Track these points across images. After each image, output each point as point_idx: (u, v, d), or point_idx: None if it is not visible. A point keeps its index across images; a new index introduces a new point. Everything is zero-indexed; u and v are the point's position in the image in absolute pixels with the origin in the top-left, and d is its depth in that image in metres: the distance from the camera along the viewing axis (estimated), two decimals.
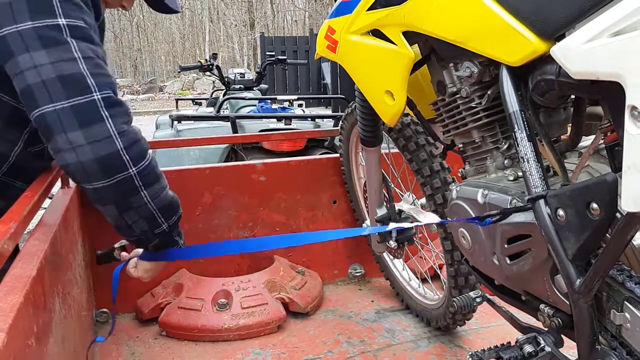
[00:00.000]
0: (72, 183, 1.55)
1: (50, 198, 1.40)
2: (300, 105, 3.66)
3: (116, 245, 1.47)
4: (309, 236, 1.32)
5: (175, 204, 1.27)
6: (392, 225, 1.13)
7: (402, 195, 1.73)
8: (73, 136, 1.05)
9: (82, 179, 1.11)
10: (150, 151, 1.20)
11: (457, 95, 1.10)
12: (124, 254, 1.46)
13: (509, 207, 0.94)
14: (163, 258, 1.36)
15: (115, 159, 1.09)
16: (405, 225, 1.12)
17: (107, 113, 1.08)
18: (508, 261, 0.97)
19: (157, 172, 1.20)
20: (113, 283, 1.40)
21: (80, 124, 1.05)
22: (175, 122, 3.16)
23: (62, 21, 1.06)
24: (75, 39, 1.07)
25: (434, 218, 1.09)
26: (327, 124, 3.34)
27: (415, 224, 1.14)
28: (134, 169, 1.12)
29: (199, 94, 14.36)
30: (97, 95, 1.07)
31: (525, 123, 0.88)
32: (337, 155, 2.01)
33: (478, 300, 1.21)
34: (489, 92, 1.03)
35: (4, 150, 1.19)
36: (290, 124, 3.08)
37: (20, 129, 1.20)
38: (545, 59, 0.83)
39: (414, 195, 1.66)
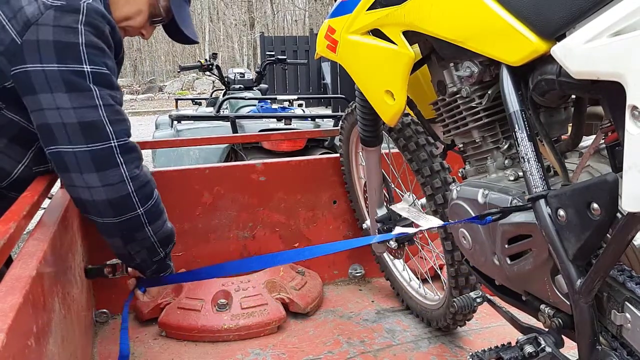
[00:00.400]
0: None
1: (50, 198, 1.40)
2: (300, 105, 3.65)
3: (107, 263, 1.51)
4: (314, 250, 1.39)
5: (172, 234, 1.38)
6: (397, 231, 1.13)
7: (402, 195, 1.73)
8: (88, 177, 1.13)
9: (93, 214, 1.20)
10: (156, 190, 1.29)
11: (458, 95, 1.10)
12: (130, 281, 1.51)
13: (509, 206, 0.94)
14: (162, 283, 1.47)
15: (126, 201, 1.18)
16: (410, 230, 1.12)
17: (122, 159, 1.16)
18: (508, 261, 0.96)
19: (160, 209, 1.30)
20: (123, 320, 1.50)
21: (97, 168, 1.13)
22: (175, 122, 3.16)
23: (86, 68, 1.11)
24: (97, 86, 1.12)
25: (435, 221, 1.09)
26: (327, 124, 3.34)
27: (419, 229, 1.13)
28: (141, 209, 1.21)
29: (198, 93, 14.36)
30: (114, 143, 1.15)
31: (526, 123, 0.88)
32: (337, 155, 2.01)
33: (478, 300, 1.21)
34: (489, 92, 1.03)
35: (6, 167, 1.21)
36: (290, 124, 3.07)
37: (26, 148, 1.23)
38: (546, 58, 0.83)
39: (414, 196, 1.66)
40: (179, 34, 1.45)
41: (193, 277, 1.52)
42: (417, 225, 1.14)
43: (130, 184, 1.18)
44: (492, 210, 0.92)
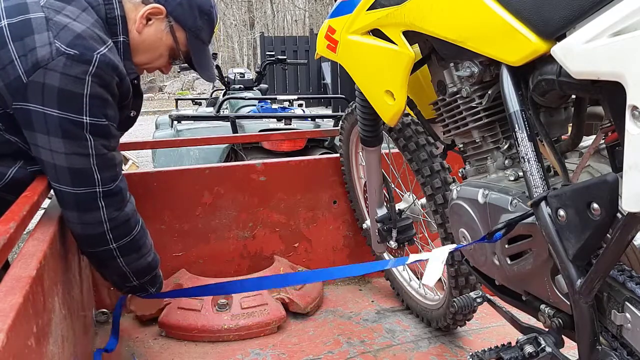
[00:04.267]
0: None
1: (50, 198, 1.39)
2: (300, 105, 3.65)
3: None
4: (320, 273, 1.49)
5: (152, 268, 1.42)
6: (412, 259, 1.12)
7: (403, 195, 1.73)
8: (68, 214, 1.22)
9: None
10: (138, 224, 1.35)
11: (458, 95, 1.10)
12: None
13: (509, 207, 0.94)
14: (155, 296, 1.54)
15: (99, 238, 1.26)
16: (424, 256, 1.10)
17: (103, 203, 1.23)
18: (509, 261, 0.96)
19: (139, 244, 1.35)
20: (114, 319, 1.57)
21: (78, 208, 1.21)
22: (175, 122, 3.16)
23: (86, 119, 1.15)
24: (93, 136, 1.17)
25: (446, 248, 1.07)
26: (327, 124, 3.34)
27: (427, 254, 1.10)
28: (114, 244, 1.28)
29: (198, 93, 14.35)
30: (99, 189, 1.21)
31: (526, 123, 0.88)
32: (337, 155, 2.01)
33: (478, 300, 1.21)
34: (489, 92, 1.03)
35: (0, 170, 1.23)
36: (290, 124, 3.07)
37: (20, 159, 1.26)
38: (546, 58, 0.83)
39: (414, 196, 1.66)
40: (204, 71, 1.49)
41: (184, 293, 1.60)
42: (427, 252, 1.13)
43: (107, 224, 1.25)
44: (499, 226, 0.92)
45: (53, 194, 1.41)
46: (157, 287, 1.51)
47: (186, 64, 1.46)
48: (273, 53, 4.40)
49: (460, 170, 1.18)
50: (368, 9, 1.17)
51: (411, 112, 1.34)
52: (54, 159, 1.16)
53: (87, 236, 1.26)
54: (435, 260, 1.04)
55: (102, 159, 1.20)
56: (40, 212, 1.22)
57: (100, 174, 1.20)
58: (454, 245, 1.09)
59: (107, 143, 1.22)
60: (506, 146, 1.05)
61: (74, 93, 1.12)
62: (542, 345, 0.91)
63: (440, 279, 1.75)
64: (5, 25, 1.11)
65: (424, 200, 1.60)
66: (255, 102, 3.64)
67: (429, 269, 1.03)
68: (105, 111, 1.19)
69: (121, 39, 1.29)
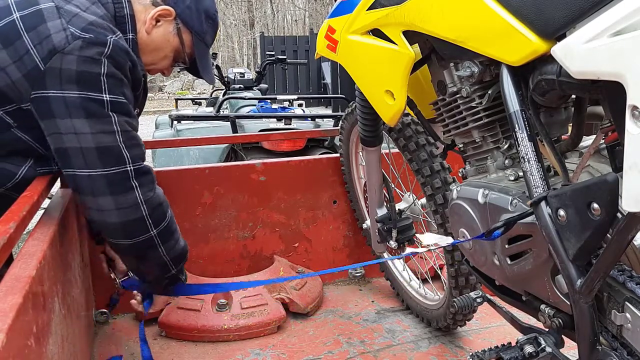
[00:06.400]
0: None
1: (50, 198, 1.39)
2: (300, 105, 3.64)
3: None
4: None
5: (185, 252, 1.39)
6: (409, 251, 1.13)
7: (403, 195, 1.73)
8: (102, 200, 1.17)
9: (106, 233, 1.24)
10: (169, 207, 1.31)
11: (458, 95, 1.10)
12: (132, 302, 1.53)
13: (509, 207, 0.94)
14: (170, 294, 1.50)
15: (139, 224, 1.21)
16: (420, 250, 1.10)
17: (136, 183, 1.19)
18: (509, 261, 0.96)
19: (173, 228, 1.32)
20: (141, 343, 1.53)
21: (111, 190, 1.16)
22: (175, 122, 3.15)
23: (105, 97, 1.14)
24: (115, 113, 1.16)
25: (444, 240, 1.07)
26: (327, 124, 3.33)
27: (428, 248, 1.11)
28: (154, 230, 1.24)
29: (198, 93, 14.35)
30: (129, 167, 1.18)
31: (526, 123, 0.88)
32: (337, 155, 2.01)
33: (478, 300, 1.21)
34: (489, 92, 1.03)
35: (12, 169, 1.23)
36: (290, 124, 3.07)
37: (31, 158, 1.25)
38: (546, 58, 0.82)
39: (414, 196, 1.66)
40: (196, 72, 1.50)
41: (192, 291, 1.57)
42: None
43: (144, 206, 1.20)
44: (498, 224, 0.92)
45: (53, 193, 1.41)
46: (185, 276, 1.48)
47: (187, 66, 1.47)
48: (273, 53, 4.39)
49: (460, 170, 1.18)
50: (368, 9, 1.17)
51: (411, 112, 1.34)
52: (80, 141, 1.13)
53: (126, 223, 1.20)
54: (429, 237, 1.05)
55: (127, 136, 1.18)
56: (39, 212, 1.22)
57: (129, 151, 1.18)
58: (451, 240, 1.08)
59: (129, 120, 1.20)
60: (506, 146, 1.05)
61: (92, 73, 1.13)
62: (542, 345, 0.91)
63: (440, 279, 1.76)
64: (17, 17, 1.13)
65: (424, 200, 1.59)
66: (255, 102, 3.63)
67: (425, 236, 1.05)
68: (122, 90, 1.19)
69: (130, 36, 1.30)
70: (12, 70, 1.11)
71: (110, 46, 1.14)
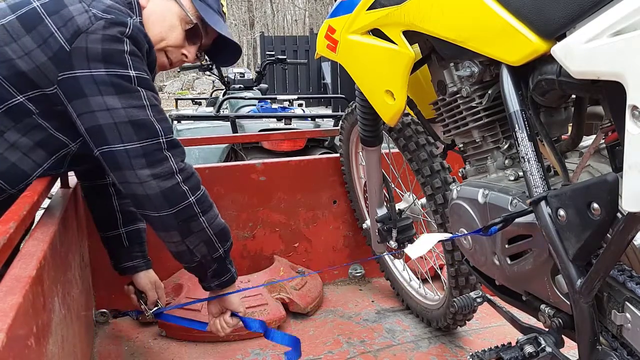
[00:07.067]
0: (71, 183, 1.55)
1: (50, 198, 1.39)
2: (300, 105, 3.64)
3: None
4: None
5: (227, 231, 1.37)
6: (408, 249, 1.11)
7: (403, 195, 1.73)
8: (141, 173, 1.19)
9: (149, 209, 1.23)
10: (200, 181, 1.31)
11: (458, 95, 1.10)
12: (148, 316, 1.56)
13: (509, 207, 0.94)
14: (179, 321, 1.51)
15: (177, 191, 1.23)
16: (421, 253, 1.10)
17: (169, 154, 1.22)
18: (509, 261, 0.96)
19: (210, 201, 1.32)
20: None
21: (148, 163, 1.19)
22: (175, 122, 3.15)
23: (132, 73, 1.17)
24: (142, 88, 1.19)
25: (441, 235, 1.07)
26: (327, 124, 3.33)
27: (429, 248, 1.10)
28: (192, 197, 1.25)
29: (198, 93, 14.35)
30: (162, 139, 1.21)
31: (526, 123, 0.88)
32: (337, 155, 2.01)
33: (478, 300, 1.21)
34: (489, 92, 1.03)
35: (27, 170, 1.22)
36: (290, 124, 3.07)
37: (50, 154, 1.25)
38: (546, 58, 0.83)
39: (414, 195, 1.66)
40: (222, 51, 1.47)
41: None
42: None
43: (179, 175, 1.22)
44: (496, 220, 0.92)
45: (53, 194, 1.41)
46: (235, 270, 1.44)
47: (207, 46, 1.44)
48: (273, 53, 4.39)
49: (460, 170, 1.18)
50: (368, 9, 1.17)
51: (411, 112, 1.34)
52: (113, 117, 1.15)
53: (165, 191, 1.21)
54: (426, 240, 1.03)
55: (156, 110, 1.21)
56: (39, 212, 1.22)
57: (160, 124, 1.21)
58: (448, 235, 1.07)
59: (156, 95, 1.23)
60: (506, 146, 1.05)
61: (117, 50, 1.15)
62: (542, 345, 0.91)
63: (440, 279, 1.76)
64: (37, 5, 1.16)
65: (424, 200, 1.59)
66: (255, 101, 3.63)
67: (417, 243, 1.03)
68: (144, 68, 1.21)
69: (138, 19, 1.30)
70: (37, 54, 1.13)
71: (131, 27, 1.17)
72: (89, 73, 1.13)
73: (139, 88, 1.18)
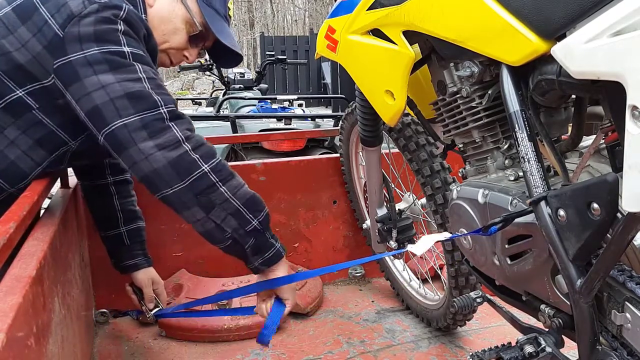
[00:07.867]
0: (71, 183, 1.55)
1: (50, 198, 1.39)
2: (300, 105, 3.65)
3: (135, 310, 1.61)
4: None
5: (259, 200, 1.25)
6: (409, 247, 1.11)
7: (403, 195, 1.73)
8: (144, 146, 1.11)
9: (162, 187, 1.14)
10: (217, 153, 1.21)
11: (458, 95, 1.10)
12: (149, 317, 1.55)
13: (509, 207, 0.94)
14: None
15: (186, 159, 1.13)
16: (419, 252, 1.09)
17: (172, 123, 1.15)
18: (509, 261, 0.96)
19: (230, 170, 1.20)
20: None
21: (150, 135, 1.12)
22: None
23: (126, 49, 1.14)
24: (138, 63, 1.15)
25: (442, 235, 1.06)
26: (327, 124, 3.34)
27: (426, 248, 1.09)
28: (205, 166, 1.14)
29: (198, 93, 14.35)
30: (163, 109, 1.14)
31: (526, 123, 0.88)
32: (337, 155, 2.01)
33: (478, 300, 1.21)
34: (489, 92, 1.03)
35: (25, 169, 1.21)
36: (290, 124, 3.07)
37: (49, 153, 1.23)
38: (546, 58, 0.82)
39: (414, 196, 1.66)
40: (223, 54, 1.43)
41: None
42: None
43: (186, 143, 1.14)
44: (496, 220, 0.91)
45: (53, 194, 1.41)
46: (280, 245, 1.32)
47: (208, 47, 1.41)
48: (273, 53, 4.39)
49: (460, 170, 1.18)
50: (368, 9, 1.17)
51: (411, 112, 1.34)
52: (109, 93, 1.11)
53: (173, 162, 1.11)
54: (426, 240, 1.04)
55: (155, 83, 1.16)
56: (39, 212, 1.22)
57: (159, 96, 1.15)
58: (448, 235, 1.07)
59: (154, 71, 1.18)
60: (506, 146, 1.05)
61: (110, 29, 1.12)
62: (542, 345, 0.91)
63: (440, 279, 1.76)
64: None
65: (424, 200, 1.59)
66: (255, 102, 3.63)
67: (419, 243, 1.03)
68: (141, 48, 1.18)
69: (143, 17, 1.27)
70: (33, 44, 1.11)
71: (126, 11, 1.15)
72: (82, 55, 1.10)
73: (134, 62, 1.14)
